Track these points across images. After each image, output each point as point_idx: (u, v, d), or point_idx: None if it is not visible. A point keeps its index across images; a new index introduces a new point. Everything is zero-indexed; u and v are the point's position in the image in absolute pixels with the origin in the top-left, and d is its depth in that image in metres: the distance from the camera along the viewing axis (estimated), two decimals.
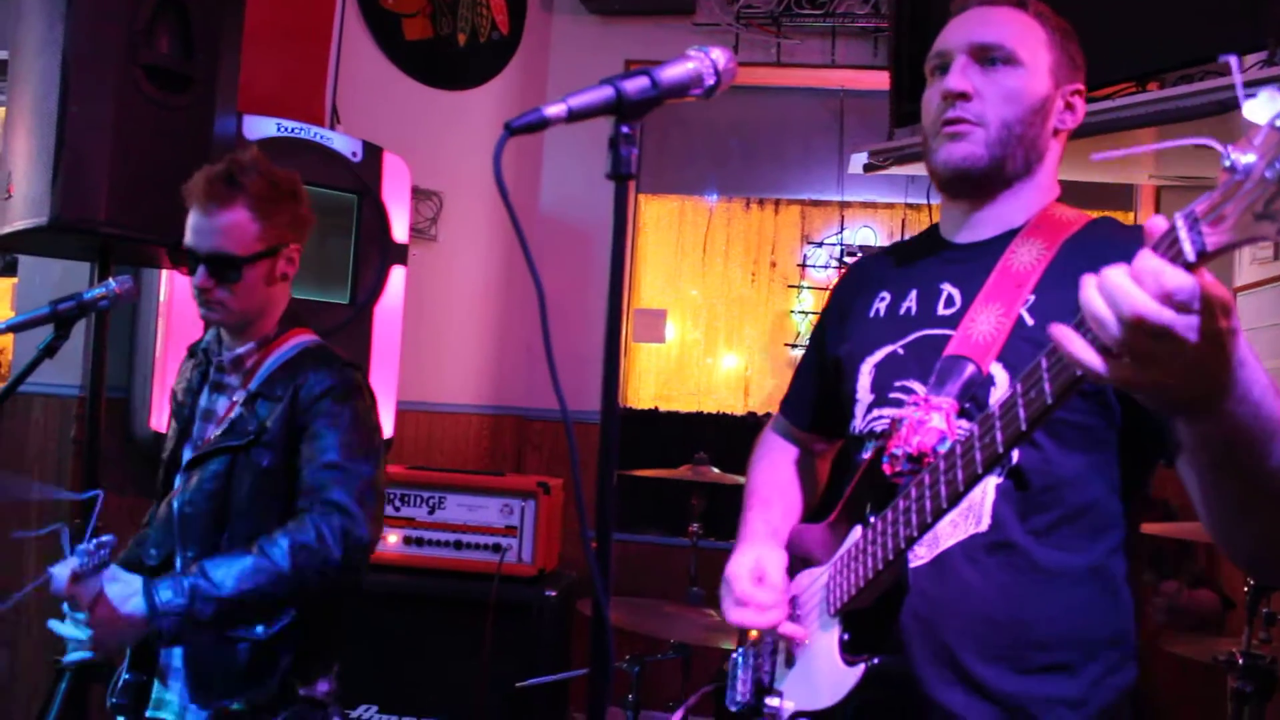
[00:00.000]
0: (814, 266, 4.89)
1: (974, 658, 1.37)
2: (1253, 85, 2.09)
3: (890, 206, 4.86)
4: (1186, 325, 0.88)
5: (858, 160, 3.64)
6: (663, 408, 4.99)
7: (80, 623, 1.72)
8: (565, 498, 3.72)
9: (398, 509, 3.53)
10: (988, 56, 1.47)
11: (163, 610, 1.74)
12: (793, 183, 4.95)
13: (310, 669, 2.01)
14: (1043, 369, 1.03)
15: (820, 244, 4.90)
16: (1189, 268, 0.85)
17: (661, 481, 3.72)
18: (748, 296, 5.05)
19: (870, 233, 4.87)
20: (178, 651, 1.98)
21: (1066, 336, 0.95)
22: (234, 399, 2.05)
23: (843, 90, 4.67)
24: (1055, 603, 1.37)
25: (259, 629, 1.94)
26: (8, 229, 2.53)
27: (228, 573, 1.79)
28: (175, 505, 2.03)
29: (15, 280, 3.88)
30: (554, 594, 3.39)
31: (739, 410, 4.94)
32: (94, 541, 1.65)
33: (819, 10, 4.50)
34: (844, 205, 4.83)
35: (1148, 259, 0.87)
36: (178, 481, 2.07)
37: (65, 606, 1.74)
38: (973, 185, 1.50)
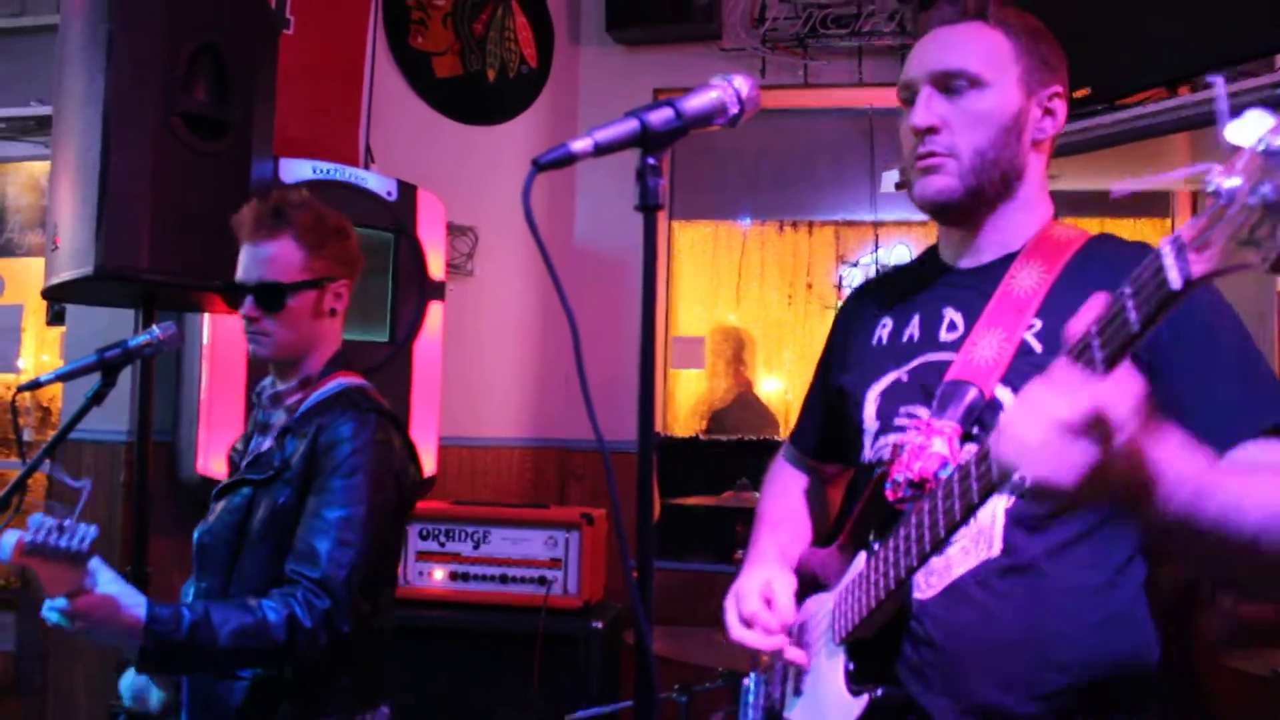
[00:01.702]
0: (850, 287, 4.87)
1: (991, 686, 1.34)
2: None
3: (925, 223, 4.82)
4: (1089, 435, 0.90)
5: (890, 178, 3.63)
6: (702, 435, 4.98)
7: (58, 610, 1.66)
8: (609, 528, 3.71)
9: (443, 545, 3.54)
10: (951, 84, 1.44)
11: (158, 633, 1.71)
12: (826, 203, 4.95)
13: (321, 710, 1.96)
14: None
15: (856, 264, 4.90)
16: (1165, 303, 0.84)
17: (705, 509, 3.71)
18: (785, 320, 5.04)
19: (905, 250, 4.85)
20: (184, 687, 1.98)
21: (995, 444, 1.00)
22: (273, 436, 2.05)
23: (871, 109, 4.67)
24: (1073, 622, 1.35)
25: (237, 680, 1.91)
26: (55, 280, 2.58)
27: (228, 625, 1.77)
28: (196, 535, 2.04)
29: (64, 329, 3.95)
30: (600, 625, 3.38)
31: (781, 435, 4.92)
32: (55, 521, 1.59)
33: (844, 30, 4.50)
34: (878, 224, 4.81)
35: (1056, 373, 0.92)
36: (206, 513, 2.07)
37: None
38: (954, 215, 1.49)
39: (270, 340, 2.02)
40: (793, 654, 1.49)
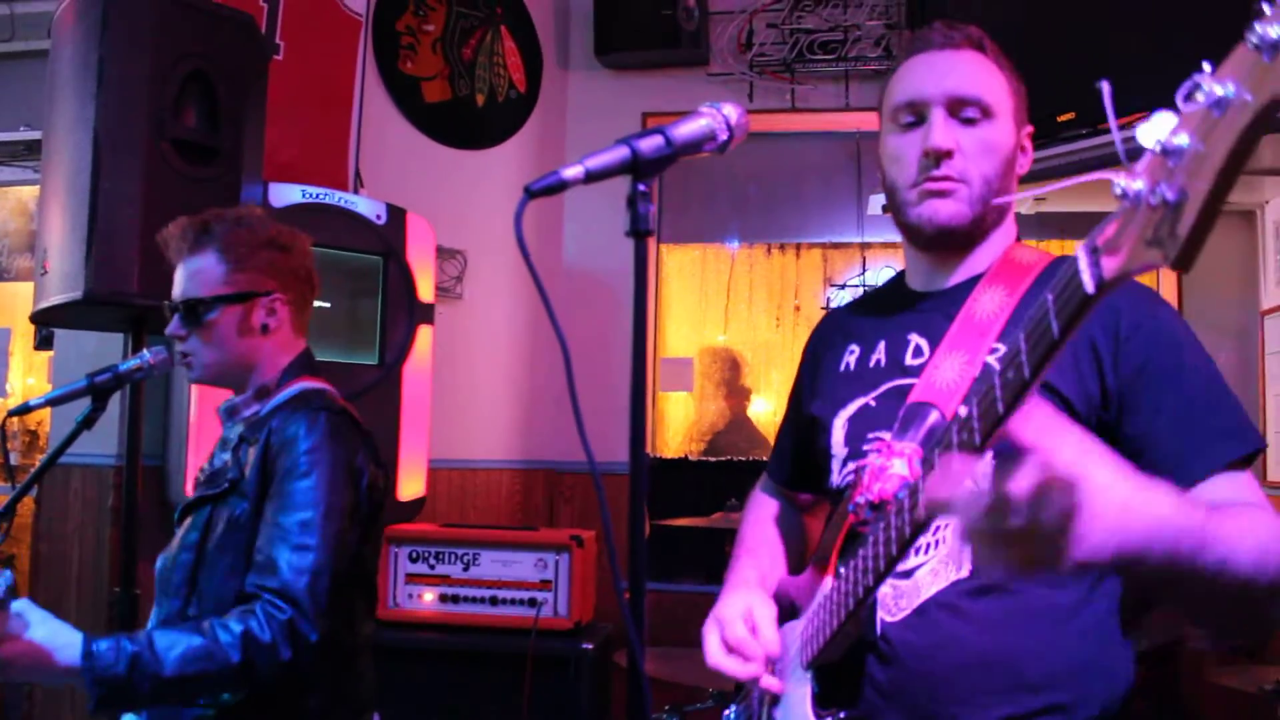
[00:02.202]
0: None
1: (963, 706, 1.33)
2: None
3: None
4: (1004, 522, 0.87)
5: (876, 201, 3.66)
6: (692, 456, 4.99)
7: None
8: (599, 550, 3.71)
9: (432, 567, 3.53)
10: (964, 111, 1.44)
11: (98, 671, 1.61)
12: (813, 226, 4.98)
13: None
14: (973, 414, 1.00)
15: (844, 286, 4.92)
16: (1081, 308, 0.84)
17: (695, 530, 3.71)
18: (773, 342, 5.06)
19: (892, 272, 4.87)
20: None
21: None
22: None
23: (858, 133, 4.70)
24: (1043, 641, 1.34)
25: (198, 709, 1.79)
26: (45, 304, 2.58)
27: (173, 650, 1.66)
28: (158, 564, 1.95)
29: (52, 354, 3.94)
30: (591, 647, 3.38)
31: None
32: None
33: (831, 55, 4.54)
34: (865, 246, 4.84)
35: (943, 469, 0.93)
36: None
37: None
38: (956, 241, 1.50)
39: (196, 360, 1.96)
40: (768, 682, 1.47)
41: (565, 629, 3.42)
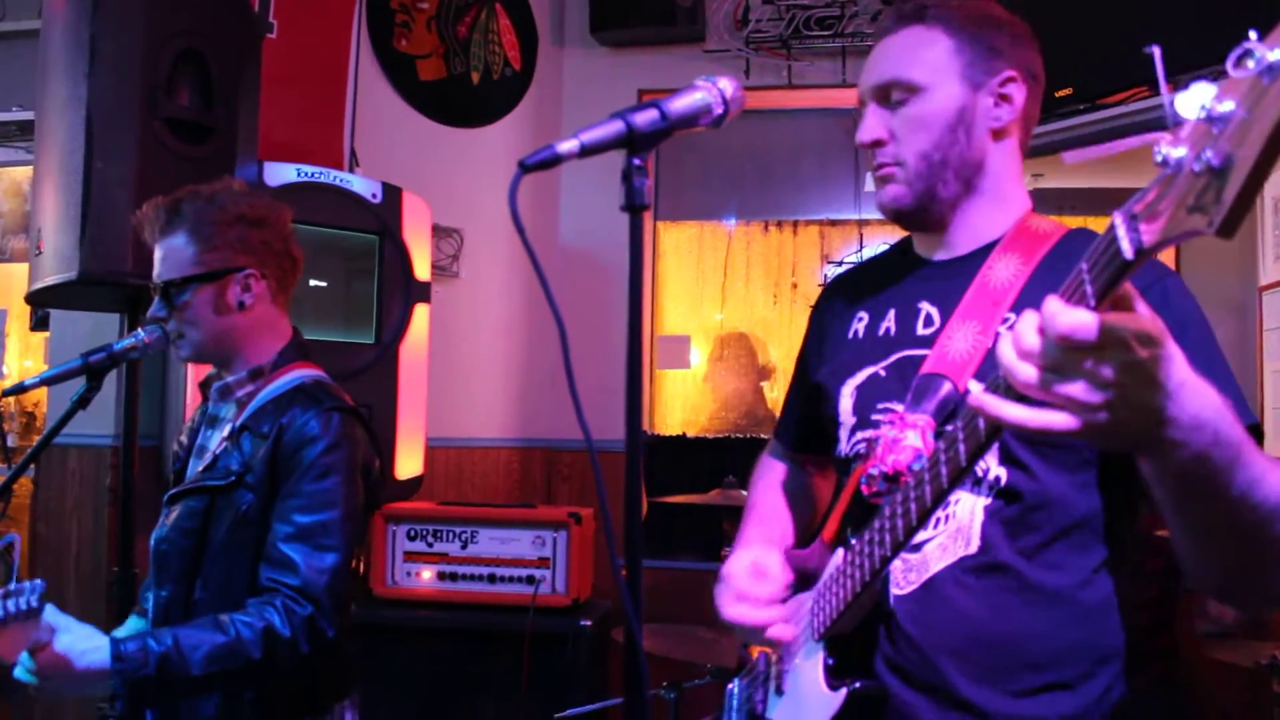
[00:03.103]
0: None
1: (966, 681, 1.35)
2: None
3: None
4: (1092, 362, 0.89)
5: (873, 178, 3.65)
6: (690, 433, 4.99)
7: (26, 669, 1.63)
8: (596, 527, 3.72)
9: (430, 545, 3.54)
10: (890, 95, 1.48)
11: (128, 674, 1.66)
12: (810, 203, 4.96)
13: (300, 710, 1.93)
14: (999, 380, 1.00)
15: (840, 263, 4.91)
16: (1119, 274, 0.85)
17: (692, 507, 3.72)
18: (771, 319, 5.05)
19: None
20: None
21: (982, 402, 0.97)
22: (224, 432, 1.98)
23: (855, 109, 4.67)
24: (1047, 622, 1.35)
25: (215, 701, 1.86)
26: (40, 284, 2.58)
27: (199, 651, 1.71)
28: (153, 541, 1.96)
29: (48, 334, 3.94)
30: (589, 624, 3.39)
31: (767, 433, 4.92)
32: (3, 589, 1.57)
33: (828, 32, 4.52)
34: (862, 223, 4.84)
35: (1048, 304, 0.89)
36: (161, 515, 1.99)
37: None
38: (914, 220, 1.53)
39: (185, 341, 1.97)
40: (778, 630, 1.47)
41: (563, 606, 3.44)
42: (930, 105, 1.45)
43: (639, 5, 4.57)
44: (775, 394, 5.02)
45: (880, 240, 4.85)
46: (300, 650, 1.77)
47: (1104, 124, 2.72)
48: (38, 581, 1.59)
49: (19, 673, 1.64)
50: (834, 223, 4.97)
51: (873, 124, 1.49)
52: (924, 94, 1.45)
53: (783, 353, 5.00)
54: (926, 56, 1.46)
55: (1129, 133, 2.79)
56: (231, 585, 1.86)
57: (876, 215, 5.11)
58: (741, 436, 4.92)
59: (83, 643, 1.66)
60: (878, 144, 1.48)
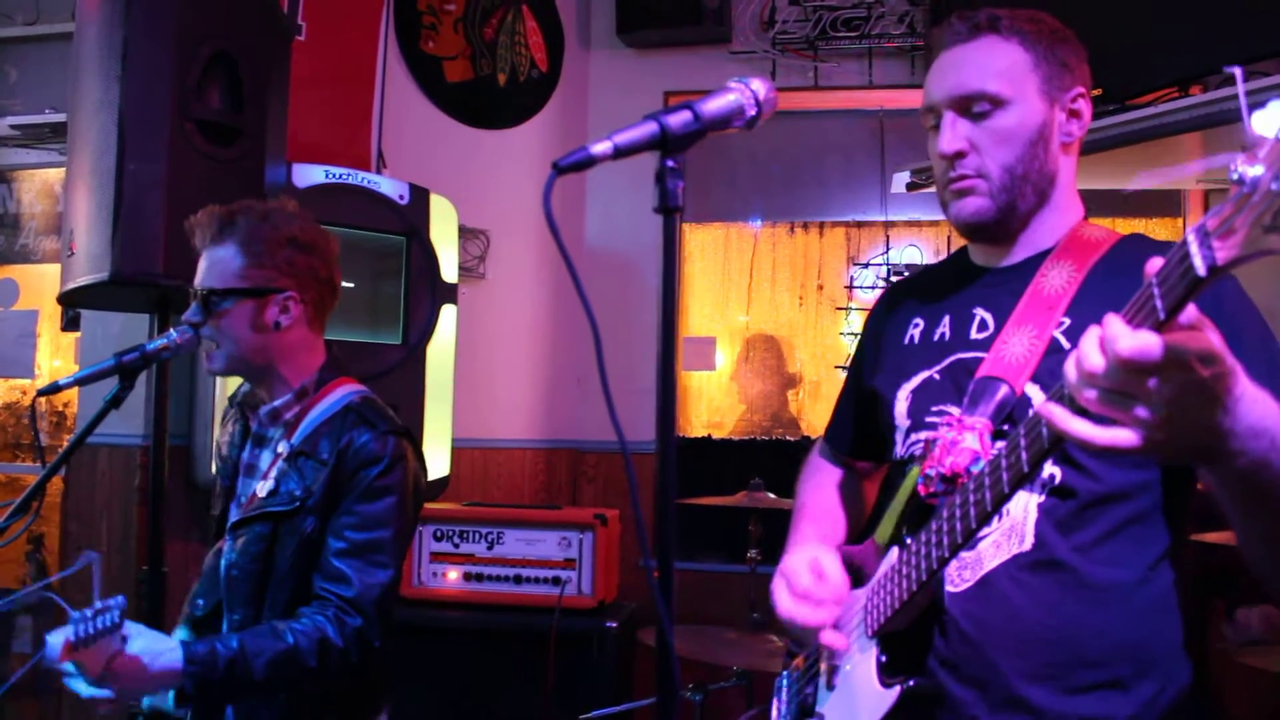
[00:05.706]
0: (861, 288, 4.86)
1: (1022, 679, 1.35)
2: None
3: (935, 224, 4.82)
4: (1155, 381, 0.90)
5: (900, 179, 3.63)
6: (716, 435, 4.98)
7: (98, 683, 1.67)
8: (622, 529, 3.72)
9: (457, 546, 3.55)
10: (972, 107, 1.46)
11: (197, 673, 1.73)
12: (836, 205, 4.94)
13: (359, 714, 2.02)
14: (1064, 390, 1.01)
15: (867, 265, 4.88)
16: (1190, 290, 0.85)
17: (718, 509, 3.71)
18: (796, 321, 5.04)
19: (916, 251, 4.84)
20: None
21: (1050, 413, 0.99)
22: (278, 452, 2.01)
23: (881, 110, 4.66)
24: (1103, 619, 1.36)
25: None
26: (71, 285, 2.60)
27: (261, 658, 1.79)
28: (222, 567, 2.01)
29: (79, 335, 3.97)
30: (615, 625, 3.39)
31: (793, 435, 4.92)
32: (90, 609, 1.60)
33: (854, 33, 4.51)
34: (888, 225, 4.81)
35: (1110, 325, 0.90)
36: (226, 541, 2.04)
37: (70, 666, 1.66)
38: (989, 233, 1.51)
39: (220, 353, 2.00)
40: (830, 637, 1.47)
41: (589, 607, 3.44)
42: (1014, 119, 1.45)
43: (665, 6, 4.57)
44: (801, 397, 5.00)
45: (907, 242, 4.83)
46: (350, 659, 1.86)
47: (1135, 125, 2.69)
48: (120, 598, 1.64)
49: (86, 690, 1.68)
50: (860, 224, 4.95)
51: (955, 135, 1.47)
52: (1008, 107, 1.45)
53: (808, 355, 4.98)
54: (1008, 69, 1.46)
55: (1159, 134, 2.76)
56: (296, 606, 1.92)
57: (903, 217, 5.08)
58: (767, 439, 4.90)
59: (156, 645, 1.72)
60: (959, 155, 1.46)
